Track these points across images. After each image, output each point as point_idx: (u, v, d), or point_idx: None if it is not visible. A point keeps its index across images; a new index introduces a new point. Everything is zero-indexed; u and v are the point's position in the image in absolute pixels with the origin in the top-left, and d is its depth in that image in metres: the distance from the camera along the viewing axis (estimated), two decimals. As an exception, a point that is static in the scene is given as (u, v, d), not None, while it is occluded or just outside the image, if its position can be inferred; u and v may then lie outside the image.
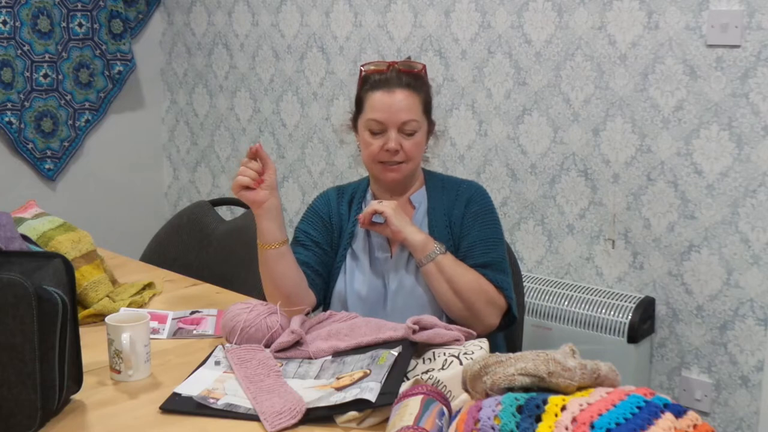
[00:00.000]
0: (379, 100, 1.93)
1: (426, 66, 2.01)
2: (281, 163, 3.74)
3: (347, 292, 1.97)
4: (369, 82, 1.96)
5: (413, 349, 1.59)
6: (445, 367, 1.52)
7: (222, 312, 1.92)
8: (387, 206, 1.88)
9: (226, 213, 3.50)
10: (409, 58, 2.11)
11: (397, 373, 1.48)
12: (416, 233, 1.89)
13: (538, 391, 1.17)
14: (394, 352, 1.55)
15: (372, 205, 1.90)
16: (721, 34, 2.44)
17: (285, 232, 1.88)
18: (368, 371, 1.50)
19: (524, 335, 2.25)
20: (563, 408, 1.11)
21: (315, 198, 2.11)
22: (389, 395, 1.40)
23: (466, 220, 1.97)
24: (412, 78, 1.95)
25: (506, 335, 2.11)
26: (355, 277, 1.98)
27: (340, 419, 1.42)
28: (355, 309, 1.96)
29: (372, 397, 1.39)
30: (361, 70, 1.99)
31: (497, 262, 1.95)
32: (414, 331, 1.60)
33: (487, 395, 1.21)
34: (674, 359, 2.66)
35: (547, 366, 1.17)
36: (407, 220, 1.91)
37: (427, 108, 1.98)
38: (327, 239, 2.02)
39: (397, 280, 1.96)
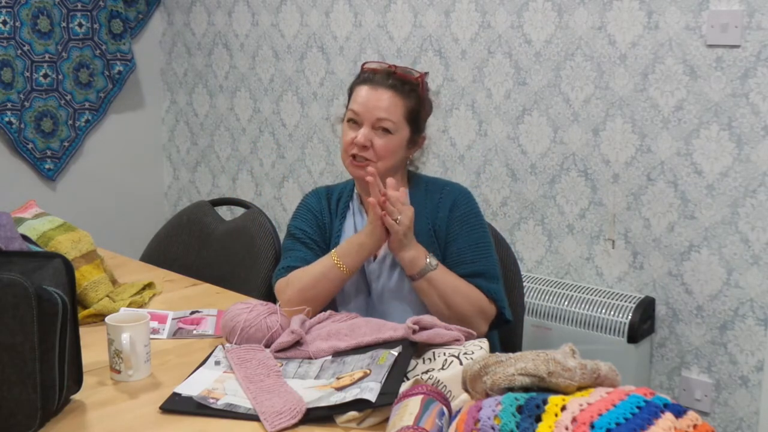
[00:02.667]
0: (361, 94, 1.95)
1: (424, 77, 1.99)
2: (281, 163, 3.74)
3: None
4: (361, 76, 1.99)
5: (413, 349, 1.59)
6: (445, 367, 1.52)
7: (222, 312, 1.92)
8: (405, 217, 1.82)
9: (226, 213, 3.50)
10: (428, 74, 2.09)
11: (397, 373, 1.48)
12: (407, 250, 1.85)
13: (538, 391, 1.17)
14: (394, 352, 1.55)
15: (393, 206, 1.82)
16: (721, 34, 2.44)
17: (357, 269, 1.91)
18: (368, 371, 1.50)
19: (524, 335, 2.25)
20: (563, 408, 1.11)
21: (306, 195, 2.11)
22: (389, 395, 1.40)
23: (452, 225, 1.95)
24: (399, 81, 1.95)
25: (505, 335, 2.10)
26: None
27: (340, 419, 1.42)
28: (342, 308, 1.96)
29: (372, 397, 1.39)
30: (362, 66, 2.02)
31: (489, 270, 1.94)
32: (414, 331, 1.60)
33: (487, 395, 1.21)
34: (674, 359, 2.66)
35: (547, 366, 1.17)
36: (411, 236, 1.87)
37: (411, 116, 1.95)
38: (322, 238, 2.03)
39: (381, 284, 1.96)
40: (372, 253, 1.91)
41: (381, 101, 1.91)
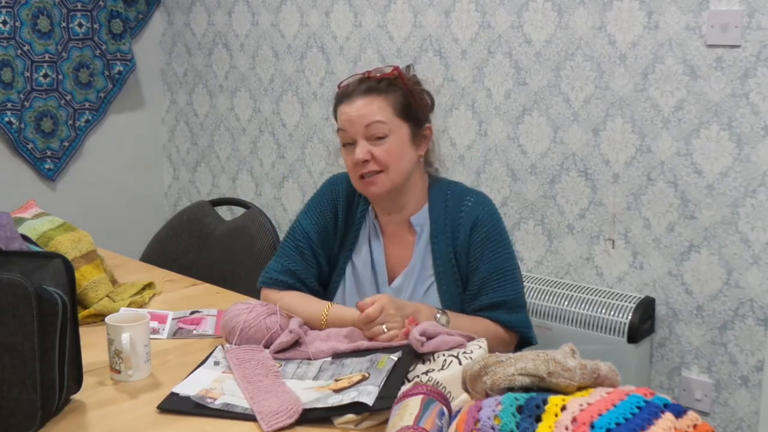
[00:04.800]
0: (343, 112, 1.83)
1: (399, 68, 1.87)
2: (281, 163, 3.74)
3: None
4: (336, 97, 1.88)
5: (413, 355, 1.58)
6: (444, 367, 1.51)
7: (222, 312, 1.91)
8: (392, 326, 1.65)
9: (226, 213, 3.50)
10: (411, 66, 1.97)
11: (396, 378, 1.48)
12: (418, 317, 1.70)
13: (538, 391, 1.17)
14: (394, 357, 1.55)
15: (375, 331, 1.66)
16: (721, 34, 2.44)
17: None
18: (367, 374, 1.50)
19: (524, 335, 2.25)
20: (563, 408, 1.11)
21: (324, 185, 2.00)
22: (387, 399, 1.39)
23: (472, 251, 1.82)
24: (374, 82, 1.83)
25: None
26: (354, 299, 1.87)
27: (338, 420, 1.42)
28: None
29: (369, 400, 1.39)
30: (338, 87, 1.91)
31: (511, 299, 1.82)
32: (422, 344, 1.57)
33: (487, 395, 1.21)
34: (674, 359, 2.66)
35: (547, 366, 1.17)
36: (408, 308, 1.71)
37: (404, 111, 1.82)
38: (326, 250, 1.93)
39: None
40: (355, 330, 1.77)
41: (362, 108, 1.80)
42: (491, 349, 1.76)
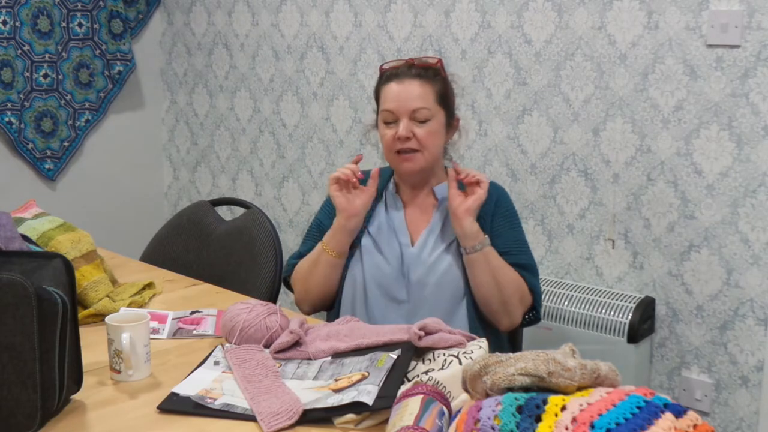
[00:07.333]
0: (390, 91, 1.98)
1: (442, 60, 2.05)
2: (281, 163, 3.74)
3: (365, 278, 2.01)
4: (384, 76, 2.03)
5: (412, 352, 1.58)
6: (444, 367, 1.51)
7: (222, 312, 1.92)
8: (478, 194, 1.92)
9: (226, 213, 3.50)
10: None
11: (396, 376, 1.48)
12: (474, 222, 1.92)
13: (538, 391, 1.17)
14: (393, 355, 1.55)
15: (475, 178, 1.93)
16: (721, 34, 2.44)
17: (348, 249, 2.01)
18: (366, 374, 1.50)
19: (524, 335, 2.25)
20: (563, 408, 1.11)
21: None
22: (386, 399, 1.39)
23: (497, 219, 2.01)
24: (423, 69, 1.99)
25: (510, 335, 2.11)
26: (373, 263, 2.01)
27: (338, 420, 1.42)
28: (374, 297, 1.98)
29: (369, 400, 1.39)
30: (381, 68, 2.05)
31: (532, 266, 2.01)
32: (420, 337, 1.59)
33: (487, 395, 1.21)
34: (674, 359, 2.66)
35: (547, 366, 1.17)
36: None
37: (443, 99, 2.00)
38: None
39: (420, 271, 1.98)
40: (347, 231, 1.98)
41: (411, 92, 1.95)
42: (516, 300, 1.95)
